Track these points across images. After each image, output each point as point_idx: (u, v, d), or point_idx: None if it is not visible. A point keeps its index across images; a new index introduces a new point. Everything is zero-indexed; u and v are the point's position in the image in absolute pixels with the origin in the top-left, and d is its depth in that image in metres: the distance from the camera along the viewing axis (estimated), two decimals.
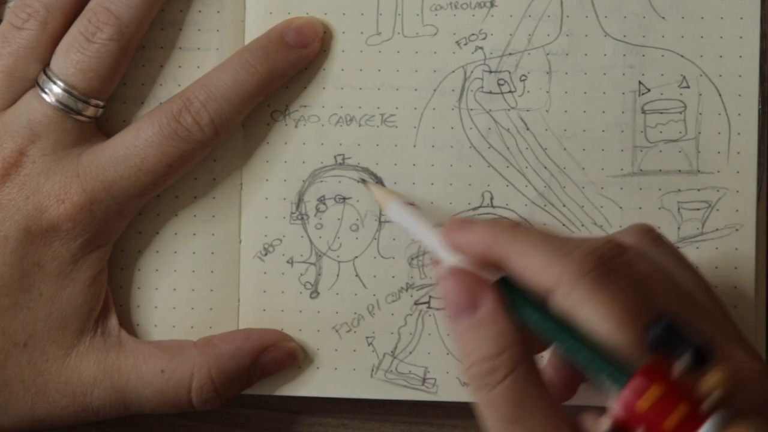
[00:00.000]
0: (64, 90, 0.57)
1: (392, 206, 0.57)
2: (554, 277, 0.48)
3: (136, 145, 0.58)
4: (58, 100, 0.57)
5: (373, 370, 0.61)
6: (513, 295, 0.50)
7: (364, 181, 0.60)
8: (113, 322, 0.60)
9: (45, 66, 0.58)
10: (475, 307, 0.50)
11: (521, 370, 0.49)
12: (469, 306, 0.50)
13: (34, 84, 0.58)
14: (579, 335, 0.48)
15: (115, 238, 0.60)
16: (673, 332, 0.46)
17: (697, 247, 0.60)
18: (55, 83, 0.57)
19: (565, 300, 0.48)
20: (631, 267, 0.49)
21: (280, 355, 0.60)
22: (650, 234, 0.53)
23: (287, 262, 0.61)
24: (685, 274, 0.52)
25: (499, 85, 0.61)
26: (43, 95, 0.57)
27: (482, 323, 0.50)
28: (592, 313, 0.47)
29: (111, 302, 0.60)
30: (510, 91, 0.61)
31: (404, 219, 0.56)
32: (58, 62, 0.58)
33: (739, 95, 0.60)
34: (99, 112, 0.58)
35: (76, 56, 0.57)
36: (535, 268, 0.49)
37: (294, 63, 0.60)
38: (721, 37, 0.60)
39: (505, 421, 0.49)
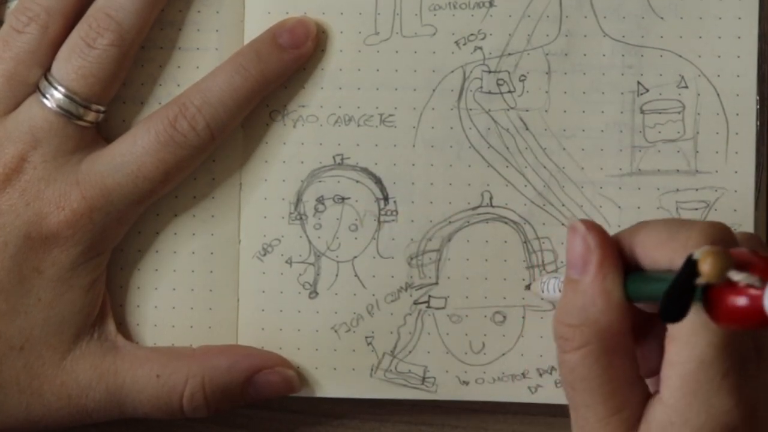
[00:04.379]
0: (66, 95, 0.59)
1: (539, 282, 0.60)
2: (670, 251, 0.50)
3: (133, 152, 0.60)
4: (59, 106, 0.59)
5: (372, 369, 0.63)
6: (627, 277, 0.52)
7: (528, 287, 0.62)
8: (110, 326, 0.62)
9: (46, 71, 0.60)
10: (580, 270, 0.52)
11: (593, 348, 0.51)
12: (578, 266, 0.52)
13: (35, 89, 0.60)
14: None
15: (114, 244, 0.62)
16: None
17: None
18: (56, 89, 0.59)
19: None
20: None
21: (276, 379, 0.62)
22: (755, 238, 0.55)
23: (286, 262, 0.63)
24: None
25: (498, 85, 0.63)
26: (44, 101, 0.59)
27: (579, 288, 0.52)
28: None
29: (108, 306, 0.62)
30: (509, 91, 0.63)
31: (546, 278, 0.59)
32: (59, 67, 0.59)
33: (738, 95, 0.62)
34: (100, 117, 0.60)
35: (77, 62, 0.59)
36: (654, 246, 0.51)
37: (288, 64, 0.62)
38: (720, 37, 0.62)
39: (568, 384, 0.52)
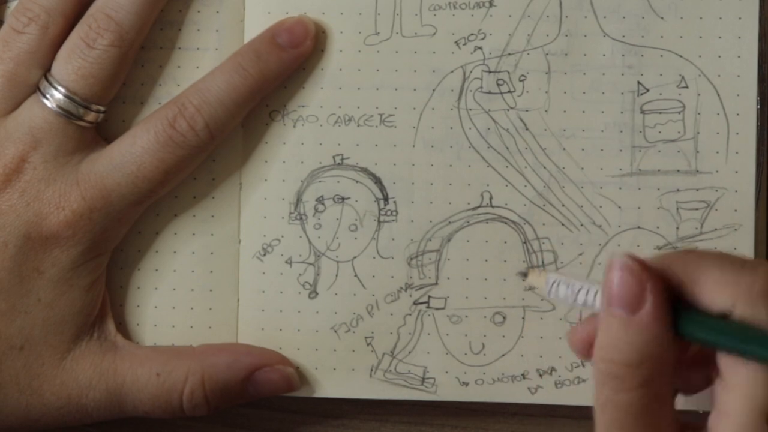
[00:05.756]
0: (66, 96, 0.60)
1: (549, 277, 0.56)
2: (733, 293, 0.49)
3: (132, 152, 0.60)
4: (59, 106, 0.60)
5: (372, 370, 0.63)
6: (681, 313, 0.51)
7: (524, 274, 0.61)
8: (110, 326, 0.63)
9: (46, 71, 0.60)
10: (636, 307, 0.50)
11: (651, 388, 0.50)
12: (629, 303, 0.50)
13: (35, 89, 0.60)
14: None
15: (114, 245, 0.62)
16: None
17: (696, 248, 0.63)
18: (56, 89, 0.60)
19: (745, 317, 0.49)
20: None
21: (275, 377, 0.62)
22: None
23: (286, 262, 0.64)
24: None
25: (498, 85, 0.64)
26: (45, 101, 0.60)
27: (635, 326, 0.50)
28: None
29: (108, 306, 0.63)
30: (509, 91, 0.63)
31: (566, 281, 0.55)
32: (59, 68, 0.60)
33: (738, 95, 0.63)
34: (100, 117, 0.61)
35: (77, 62, 0.60)
36: (713, 286, 0.50)
37: (287, 63, 0.62)
38: (720, 37, 0.63)
39: (613, 428, 0.50)
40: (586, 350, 0.53)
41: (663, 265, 0.51)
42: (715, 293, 0.50)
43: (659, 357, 0.50)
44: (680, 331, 0.50)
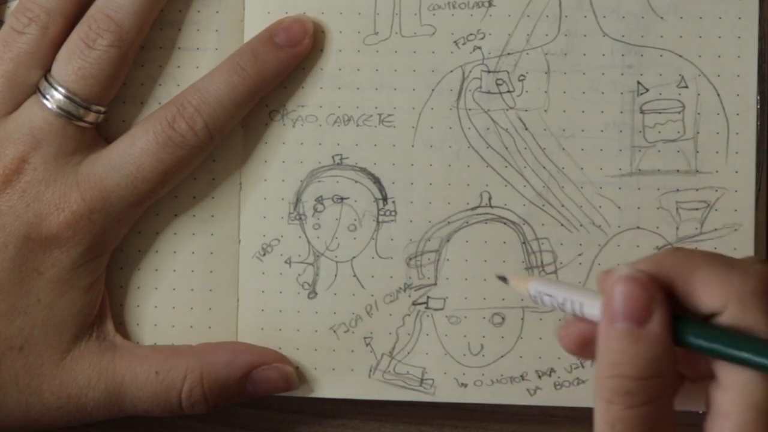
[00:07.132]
0: (65, 96, 0.60)
1: (531, 286, 0.56)
2: (724, 293, 0.49)
3: (131, 153, 0.61)
4: (59, 107, 0.60)
5: (371, 370, 0.64)
6: (677, 320, 0.50)
7: (504, 278, 0.60)
8: (109, 326, 0.63)
9: (46, 72, 0.61)
10: (643, 320, 0.49)
11: (661, 402, 0.49)
12: (636, 317, 0.49)
13: (35, 90, 0.61)
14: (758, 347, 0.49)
15: (114, 245, 0.63)
16: None
17: (696, 247, 0.64)
18: (56, 89, 0.60)
19: (737, 317, 0.49)
20: None
21: (274, 376, 0.63)
22: None
23: (285, 262, 0.65)
24: None
25: (497, 84, 0.64)
26: (45, 101, 0.61)
27: (644, 340, 0.49)
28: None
29: (107, 306, 0.64)
30: (508, 91, 0.64)
31: (549, 290, 0.55)
32: (59, 68, 0.61)
33: (738, 95, 0.63)
34: (100, 117, 0.62)
35: (77, 63, 0.61)
36: (704, 286, 0.50)
37: (285, 62, 0.63)
38: (720, 37, 0.64)
39: None
40: (579, 349, 0.54)
41: (654, 267, 0.51)
42: (706, 293, 0.50)
43: (668, 368, 0.50)
44: (679, 340, 0.50)
